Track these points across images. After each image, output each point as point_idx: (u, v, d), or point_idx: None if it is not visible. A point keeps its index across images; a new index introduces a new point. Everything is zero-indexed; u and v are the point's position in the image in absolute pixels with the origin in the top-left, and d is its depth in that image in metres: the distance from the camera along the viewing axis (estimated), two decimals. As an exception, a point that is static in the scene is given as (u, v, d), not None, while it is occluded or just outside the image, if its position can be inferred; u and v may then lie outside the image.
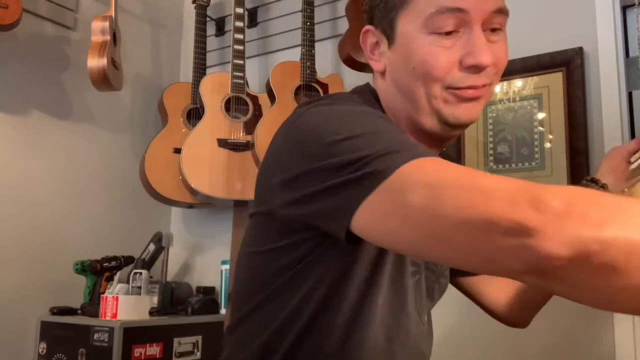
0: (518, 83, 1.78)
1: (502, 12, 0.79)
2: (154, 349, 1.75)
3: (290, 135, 0.77)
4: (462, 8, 0.76)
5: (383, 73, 0.87)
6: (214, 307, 2.06)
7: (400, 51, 0.81)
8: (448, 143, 0.89)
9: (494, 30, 0.80)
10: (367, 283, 0.80)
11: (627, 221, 0.50)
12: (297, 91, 2.06)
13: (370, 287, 0.80)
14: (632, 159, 0.90)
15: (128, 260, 2.00)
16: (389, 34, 0.83)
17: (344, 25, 2.05)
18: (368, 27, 0.86)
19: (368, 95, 0.88)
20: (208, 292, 2.15)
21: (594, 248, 0.48)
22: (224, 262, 2.15)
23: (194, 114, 2.24)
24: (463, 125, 0.83)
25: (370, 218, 0.63)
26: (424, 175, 0.60)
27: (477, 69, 0.77)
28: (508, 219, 0.51)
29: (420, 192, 0.59)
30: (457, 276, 1.08)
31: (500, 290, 1.09)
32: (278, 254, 0.80)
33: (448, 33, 0.77)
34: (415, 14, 0.78)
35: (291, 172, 0.72)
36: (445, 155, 0.93)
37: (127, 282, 1.82)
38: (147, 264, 2.04)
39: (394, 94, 0.85)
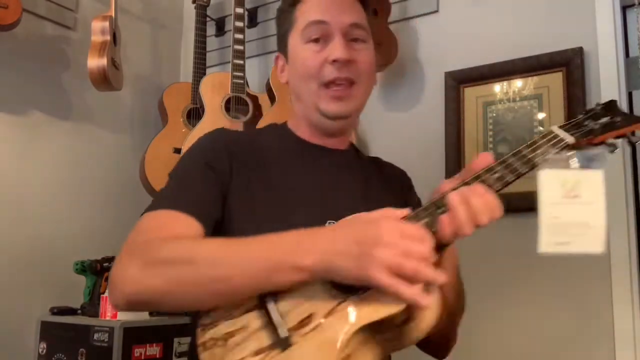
0: (518, 83, 1.78)
1: (359, 26, 1.02)
2: (154, 349, 1.75)
3: None
4: (323, 20, 1.01)
5: (287, 84, 1.09)
6: (214, 307, 2.05)
7: (291, 62, 1.06)
8: (340, 135, 1.08)
9: (355, 40, 1.02)
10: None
11: (137, 280, 0.81)
12: (297, 91, 2.06)
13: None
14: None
15: (128, 260, 1.99)
16: (286, 52, 1.08)
17: (344, 25, 2.05)
18: (277, 53, 1.11)
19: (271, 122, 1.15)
20: (208, 292, 2.14)
21: (128, 300, 0.83)
22: (224, 262, 2.15)
23: (194, 114, 2.24)
24: (339, 117, 1.02)
25: None
26: (136, 226, 0.89)
27: (337, 63, 0.99)
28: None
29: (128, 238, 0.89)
30: None
31: None
32: None
33: (316, 40, 1.01)
34: (296, 31, 1.04)
35: None
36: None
37: (127, 282, 1.82)
38: (147, 264, 2.03)
39: (294, 100, 1.08)
